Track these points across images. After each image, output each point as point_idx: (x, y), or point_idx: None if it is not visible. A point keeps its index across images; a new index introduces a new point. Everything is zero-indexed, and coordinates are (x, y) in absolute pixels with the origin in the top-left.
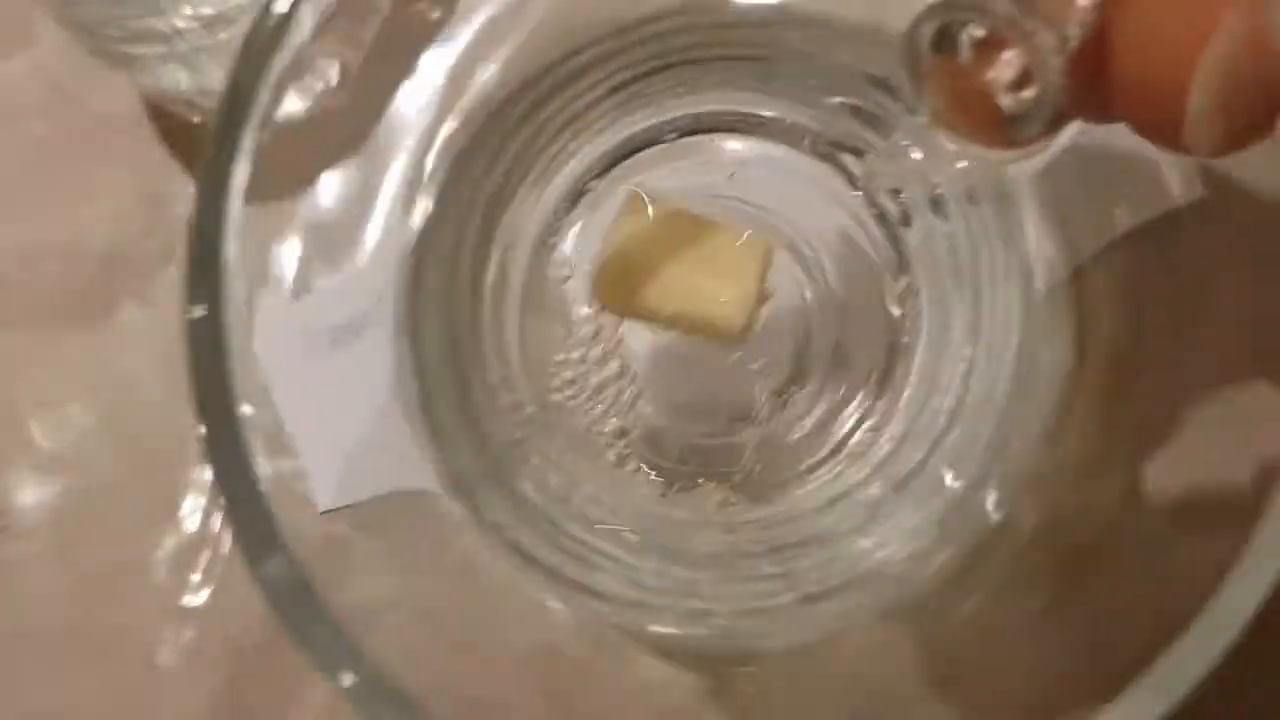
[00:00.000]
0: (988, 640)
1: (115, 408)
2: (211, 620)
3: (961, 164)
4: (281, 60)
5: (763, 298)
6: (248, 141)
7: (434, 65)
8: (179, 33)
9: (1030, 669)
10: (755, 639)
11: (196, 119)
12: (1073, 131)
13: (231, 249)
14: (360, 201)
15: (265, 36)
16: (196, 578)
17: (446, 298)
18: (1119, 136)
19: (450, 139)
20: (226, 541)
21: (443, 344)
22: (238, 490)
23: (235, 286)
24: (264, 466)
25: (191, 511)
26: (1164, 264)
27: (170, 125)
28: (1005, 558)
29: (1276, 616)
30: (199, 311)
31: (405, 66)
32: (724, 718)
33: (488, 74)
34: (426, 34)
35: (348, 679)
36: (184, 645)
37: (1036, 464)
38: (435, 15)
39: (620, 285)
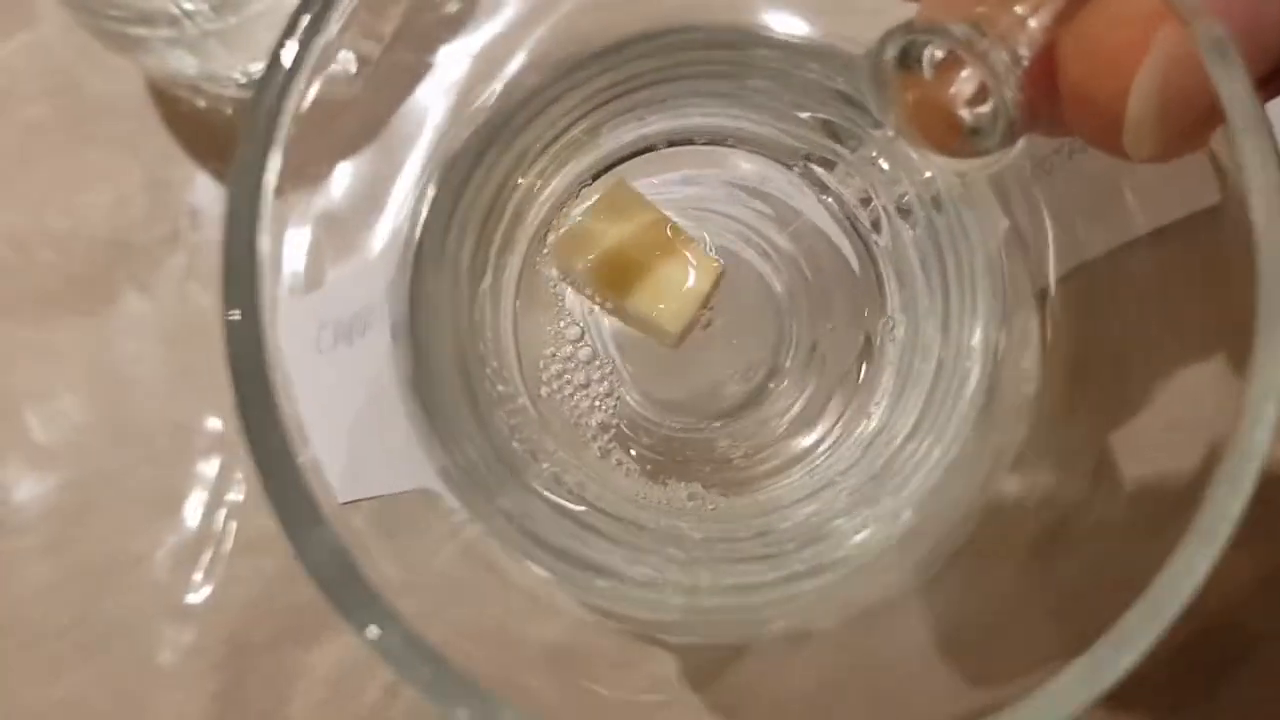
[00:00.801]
0: (971, 611)
1: (115, 400)
2: (213, 619)
3: (927, 174)
4: (316, 53)
5: (702, 313)
6: (282, 138)
7: (452, 59)
8: (188, 16)
9: (1007, 635)
10: (746, 617)
11: (201, 103)
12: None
13: (265, 244)
14: (373, 194)
15: (302, 36)
16: (198, 576)
17: (449, 294)
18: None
19: (454, 137)
20: (229, 539)
21: (444, 337)
22: (280, 473)
23: (268, 281)
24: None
25: (193, 508)
26: (1124, 274)
27: (174, 110)
28: (978, 536)
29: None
30: (235, 315)
31: (424, 60)
32: (713, 706)
33: (505, 71)
34: (448, 27)
35: (374, 632)
36: (184, 644)
37: (1008, 451)
38: (454, 9)
39: (575, 258)
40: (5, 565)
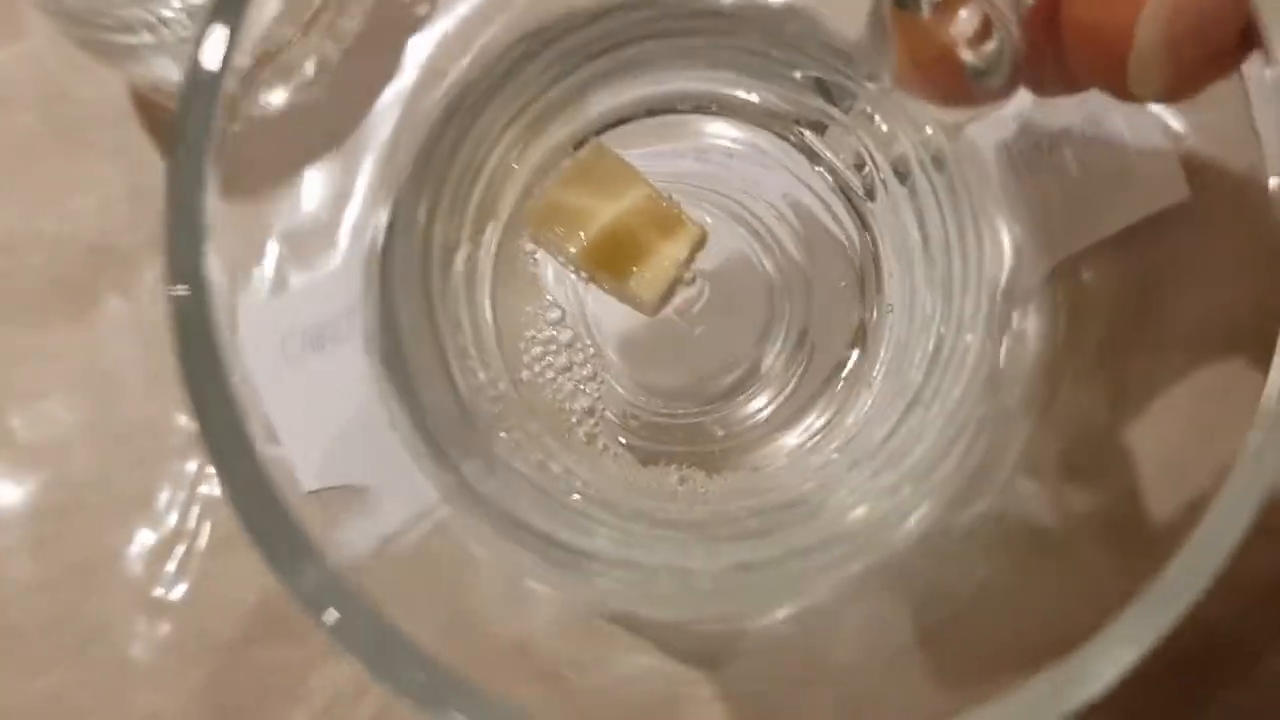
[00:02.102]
0: (972, 592)
1: (96, 401)
2: (188, 614)
3: (927, 129)
4: (246, 40)
5: (680, 280)
6: (216, 124)
7: (415, 61)
8: (164, 22)
9: (1012, 617)
10: (745, 600)
11: None
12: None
13: (211, 209)
14: (337, 200)
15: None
16: (172, 571)
17: (420, 277)
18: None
19: (417, 124)
20: (204, 536)
21: (419, 323)
22: (231, 448)
23: (216, 267)
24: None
25: (169, 506)
26: (1142, 255)
27: (158, 118)
28: (979, 514)
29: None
30: (181, 290)
31: (388, 63)
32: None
33: (463, 65)
34: (412, 29)
35: (331, 617)
36: (160, 639)
37: (1012, 430)
38: (423, 11)
39: (550, 224)
40: None
